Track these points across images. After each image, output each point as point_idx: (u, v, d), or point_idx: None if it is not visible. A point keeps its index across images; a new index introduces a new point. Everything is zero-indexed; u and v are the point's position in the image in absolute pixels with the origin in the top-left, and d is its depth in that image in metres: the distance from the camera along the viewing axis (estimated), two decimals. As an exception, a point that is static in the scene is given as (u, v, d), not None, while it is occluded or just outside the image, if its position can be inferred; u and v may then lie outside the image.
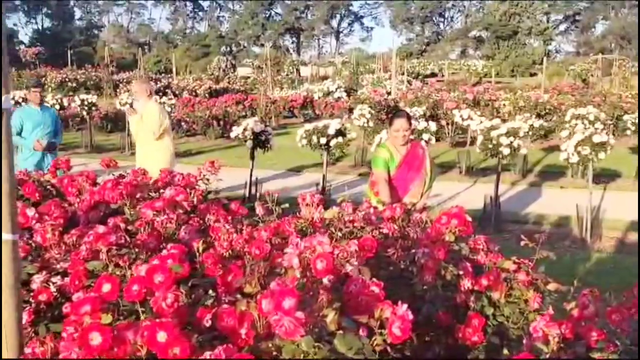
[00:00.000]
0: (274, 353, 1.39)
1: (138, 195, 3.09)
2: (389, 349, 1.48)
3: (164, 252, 2.03)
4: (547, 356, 1.86)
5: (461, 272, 2.36)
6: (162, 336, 1.38)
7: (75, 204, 3.09)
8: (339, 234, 2.42)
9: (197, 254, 1.90)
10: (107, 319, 1.64)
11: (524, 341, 2.13)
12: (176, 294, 1.58)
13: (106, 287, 1.76)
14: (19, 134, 6.68)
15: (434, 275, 2.28)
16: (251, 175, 7.96)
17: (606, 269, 5.61)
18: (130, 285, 1.60)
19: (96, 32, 74.00)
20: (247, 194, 7.79)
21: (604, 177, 9.87)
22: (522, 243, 2.58)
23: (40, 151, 6.77)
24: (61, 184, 3.37)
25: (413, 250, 2.42)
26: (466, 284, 2.34)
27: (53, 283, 2.16)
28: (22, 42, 62.07)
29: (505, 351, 2.27)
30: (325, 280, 1.58)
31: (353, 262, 1.82)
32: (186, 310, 1.65)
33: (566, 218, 7.45)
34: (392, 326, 1.44)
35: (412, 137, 4.89)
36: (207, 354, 1.38)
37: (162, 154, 6.40)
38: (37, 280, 2.15)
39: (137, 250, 2.24)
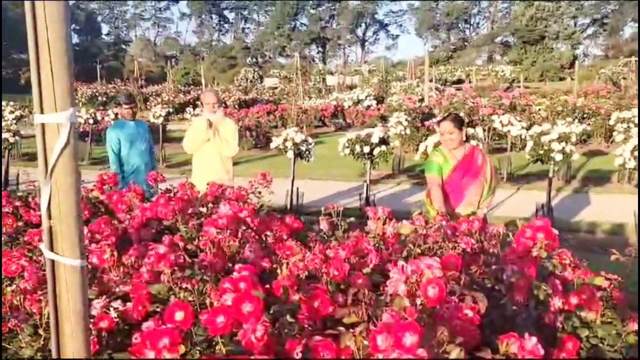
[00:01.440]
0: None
1: (190, 211, 2.94)
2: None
3: (235, 274, 1.87)
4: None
5: (550, 291, 2.16)
6: (258, 377, 1.21)
7: (126, 220, 2.95)
8: (418, 250, 2.23)
9: (280, 275, 1.72)
10: (181, 350, 1.48)
11: (625, 366, 1.92)
12: (265, 325, 1.40)
13: (179, 315, 1.60)
14: (119, 149, 6.26)
15: (526, 295, 2.08)
16: (292, 185, 7.79)
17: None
18: (213, 316, 1.42)
19: (124, 46, 75.04)
20: (288, 205, 7.62)
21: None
22: (613, 257, 2.38)
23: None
24: (110, 200, 3.24)
25: (494, 267, 2.22)
26: (556, 303, 2.13)
27: (114, 308, 2.01)
28: (52, 58, 62.96)
29: (603, 377, 2.06)
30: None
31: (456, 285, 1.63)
32: (273, 341, 1.48)
33: (620, 225, 7.14)
34: (522, 363, 1.24)
35: (472, 143, 4.64)
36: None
37: (228, 171, 6.04)
38: (97, 306, 2.00)
39: (202, 271, 2.08)
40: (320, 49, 77.13)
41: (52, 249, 1.40)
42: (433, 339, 1.22)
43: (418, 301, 1.43)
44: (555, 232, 2.37)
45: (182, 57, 72.87)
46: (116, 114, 13.94)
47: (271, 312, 1.65)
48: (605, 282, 2.29)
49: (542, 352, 1.27)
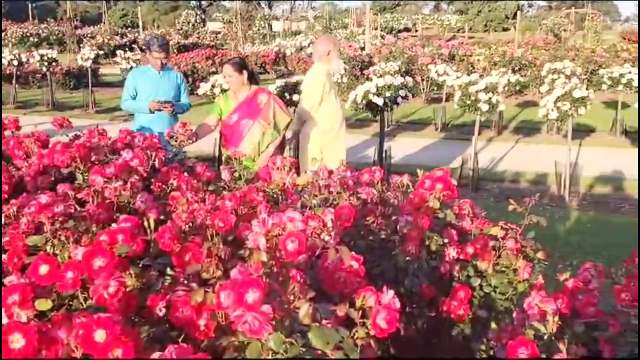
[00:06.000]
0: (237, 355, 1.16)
1: (93, 159, 2.81)
2: (372, 342, 1.26)
3: (114, 225, 1.79)
4: (546, 337, 1.68)
5: (446, 241, 2.18)
6: (100, 335, 1.14)
7: (23, 168, 2.80)
8: (314, 201, 2.19)
9: (149, 229, 1.64)
10: (45, 305, 1.41)
11: (514, 314, 1.96)
12: (120, 280, 1.33)
13: (43, 269, 1.51)
14: (133, 98, 5.39)
15: (418, 246, 2.09)
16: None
17: (586, 228, 5.48)
18: (64, 272, 1.34)
19: (59, -16, 71.42)
20: (217, 154, 7.45)
21: (580, 132, 9.76)
22: (511, 207, 2.38)
23: (155, 110, 5.22)
24: (7, 146, 3.06)
25: (394, 218, 2.21)
26: (451, 253, 2.16)
27: (-11, 262, 1.90)
28: (-19, -5, 59.59)
29: (493, 325, 2.11)
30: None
31: (328, 236, 1.60)
32: (136, 297, 1.41)
33: (543, 175, 7.34)
34: (376, 317, 1.22)
35: (255, 86, 4.88)
36: (156, 355, 1.14)
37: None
38: (-32, 258, 1.89)
39: (85, 223, 1.98)
40: (266, -8, 75.23)
41: None
42: (285, 293, 1.18)
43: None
44: (454, 182, 2.37)
45: (121, -2, 69.95)
46: (42, 55, 13.28)
47: (141, 265, 1.58)
48: (500, 232, 2.31)
49: (398, 305, 1.25)
